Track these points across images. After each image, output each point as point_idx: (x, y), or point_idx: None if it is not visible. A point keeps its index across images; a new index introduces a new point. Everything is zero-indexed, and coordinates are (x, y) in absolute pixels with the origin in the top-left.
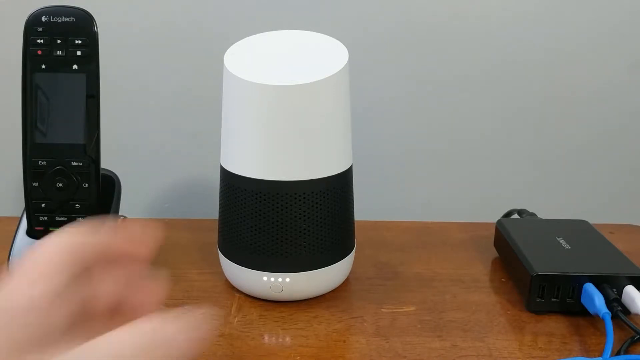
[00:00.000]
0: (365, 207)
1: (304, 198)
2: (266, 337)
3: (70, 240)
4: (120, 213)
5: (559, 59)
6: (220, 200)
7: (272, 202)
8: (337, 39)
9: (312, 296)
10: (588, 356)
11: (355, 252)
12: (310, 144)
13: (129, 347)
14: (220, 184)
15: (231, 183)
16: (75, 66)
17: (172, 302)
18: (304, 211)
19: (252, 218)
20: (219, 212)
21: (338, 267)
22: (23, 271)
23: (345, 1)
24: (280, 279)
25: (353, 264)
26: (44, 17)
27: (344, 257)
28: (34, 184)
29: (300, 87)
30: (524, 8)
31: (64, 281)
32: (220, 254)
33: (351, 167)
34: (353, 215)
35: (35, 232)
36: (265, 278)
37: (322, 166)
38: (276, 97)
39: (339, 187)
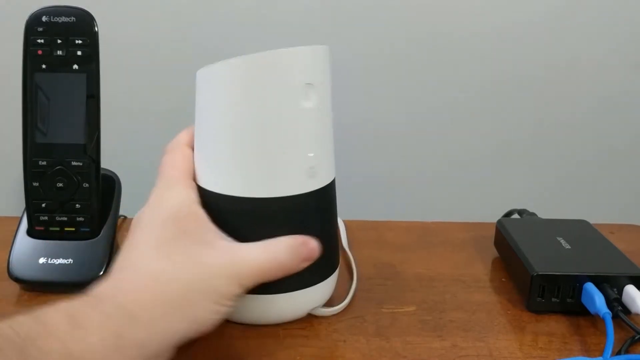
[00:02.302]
0: (366, 207)
1: (279, 217)
2: (267, 337)
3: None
4: (120, 213)
5: (559, 59)
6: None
7: (243, 222)
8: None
9: (291, 319)
10: (588, 356)
11: (356, 252)
12: (321, 142)
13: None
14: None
15: (230, 209)
16: (75, 66)
17: None
18: (322, 222)
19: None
20: None
21: (321, 288)
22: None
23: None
24: (258, 301)
25: (353, 264)
26: (44, 17)
27: (328, 277)
28: (35, 184)
29: (261, 57)
30: (525, 9)
31: None
32: None
33: (334, 180)
34: (337, 233)
35: (36, 231)
36: (292, 299)
37: (299, 180)
38: (235, 74)
39: (322, 202)
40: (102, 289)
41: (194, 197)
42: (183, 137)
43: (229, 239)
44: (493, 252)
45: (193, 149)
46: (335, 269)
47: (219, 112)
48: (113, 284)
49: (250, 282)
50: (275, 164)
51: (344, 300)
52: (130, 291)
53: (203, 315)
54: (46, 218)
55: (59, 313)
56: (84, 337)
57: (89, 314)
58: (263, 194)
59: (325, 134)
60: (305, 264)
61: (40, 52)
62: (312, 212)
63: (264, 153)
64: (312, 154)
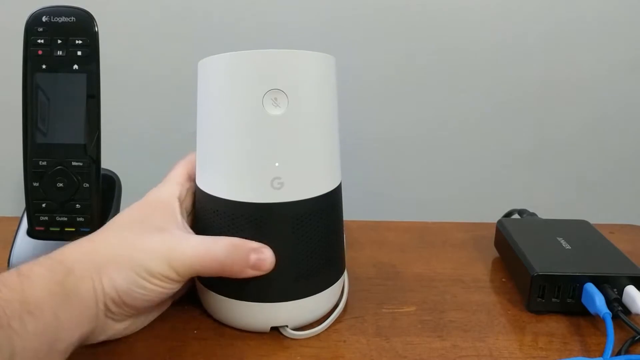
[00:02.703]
0: (366, 207)
1: (286, 223)
2: (267, 337)
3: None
4: None
5: (559, 59)
6: (196, 222)
7: (250, 228)
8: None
9: (298, 326)
10: (589, 356)
11: (356, 252)
12: (291, 154)
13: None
14: (195, 205)
15: (205, 205)
16: (75, 66)
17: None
18: (287, 237)
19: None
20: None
21: (328, 294)
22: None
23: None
24: (264, 309)
25: (353, 264)
26: (44, 17)
27: (334, 283)
28: (35, 184)
29: (274, 54)
30: (524, 6)
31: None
32: (199, 284)
33: (340, 185)
34: (343, 237)
35: (36, 232)
36: (249, 309)
37: (308, 184)
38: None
39: (330, 207)
40: (51, 254)
41: (176, 192)
42: None
43: (187, 230)
44: (493, 252)
45: None
46: (330, 285)
47: (199, 107)
48: (62, 248)
49: (183, 269)
50: (238, 169)
51: (324, 321)
52: (72, 252)
53: (123, 284)
54: (46, 218)
55: (8, 272)
56: (33, 287)
57: (34, 269)
58: (231, 196)
59: (300, 144)
60: (254, 272)
61: (40, 52)
62: (287, 223)
63: (228, 156)
64: (277, 164)
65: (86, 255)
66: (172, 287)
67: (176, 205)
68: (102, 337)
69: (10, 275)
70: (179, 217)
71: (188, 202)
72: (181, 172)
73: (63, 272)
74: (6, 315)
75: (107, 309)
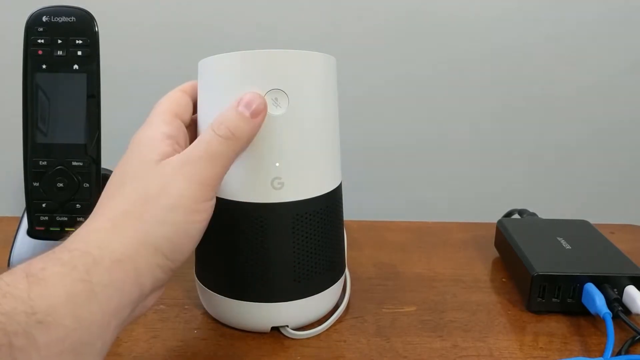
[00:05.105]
0: (366, 207)
1: (286, 222)
2: (267, 337)
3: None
4: None
5: (560, 58)
6: None
7: (250, 228)
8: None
9: (299, 326)
10: (589, 356)
11: (355, 252)
12: (292, 154)
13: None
14: None
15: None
16: (75, 66)
17: (172, 302)
18: (287, 237)
19: (230, 245)
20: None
21: (328, 294)
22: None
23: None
24: (264, 309)
25: (353, 264)
26: (44, 17)
27: (335, 283)
28: (35, 184)
29: (275, 54)
30: (524, 6)
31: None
32: (199, 284)
33: (340, 185)
34: (343, 237)
35: (36, 232)
36: (250, 309)
37: (308, 184)
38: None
39: (330, 207)
40: (68, 242)
41: (164, 129)
42: (184, 85)
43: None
44: (493, 252)
45: (190, 96)
46: (330, 285)
47: (200, 107)
48: (78, 234)
49: (213, 174)
50: (238, 169)
51: (325, 321)
52: (95, 234)
53: (186, 227)
54: (46, 218)
55: (13, 274)
56: (45, 291)
57: (49, 268)
58: (231, 196)
59: (300, 144)
60: (257, 120)
61: (40, 52)
62: (287, 223)
63: (274, 159)
64: (277, 164)
65: (113, 235)
66: (211, 206)
67: (157, 138)
68: (136, 315)
69: (15, 279)
70: (159, 146)
71: (185, 141)
72: (161, 109)
73: (87, 265)
74: (6, 333)
75: (154, 278)
